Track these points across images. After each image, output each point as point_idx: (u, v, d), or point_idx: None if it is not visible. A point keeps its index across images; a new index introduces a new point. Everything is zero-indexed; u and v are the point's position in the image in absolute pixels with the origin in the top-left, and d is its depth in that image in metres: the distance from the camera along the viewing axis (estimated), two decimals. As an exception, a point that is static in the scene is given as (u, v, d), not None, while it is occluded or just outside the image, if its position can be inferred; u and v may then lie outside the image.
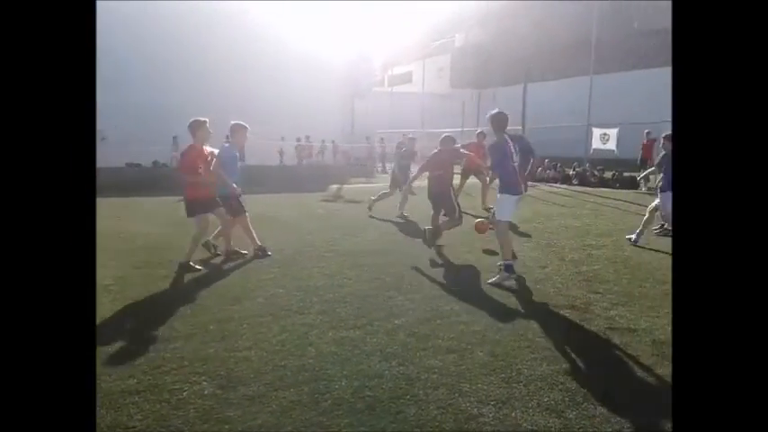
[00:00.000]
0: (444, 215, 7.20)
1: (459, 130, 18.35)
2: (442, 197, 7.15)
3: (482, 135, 9.95)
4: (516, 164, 5.59)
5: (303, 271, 5.70)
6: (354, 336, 3.84)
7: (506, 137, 5.66)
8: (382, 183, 18.45)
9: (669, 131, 7.49)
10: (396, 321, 4.12)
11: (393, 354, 3.52)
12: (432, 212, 7.39)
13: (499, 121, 5.60)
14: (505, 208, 5.66)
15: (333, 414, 2.76)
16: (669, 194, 6.92)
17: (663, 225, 8.00)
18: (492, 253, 6.38)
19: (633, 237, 7.34)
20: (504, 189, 5.63)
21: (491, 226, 6.44)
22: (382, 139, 26.03)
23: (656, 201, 7.47)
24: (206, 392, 2.98)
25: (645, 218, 7.50)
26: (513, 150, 5.57)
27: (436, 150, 7.27)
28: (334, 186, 16.34)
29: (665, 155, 7.33)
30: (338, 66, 27.62)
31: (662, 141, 7.77)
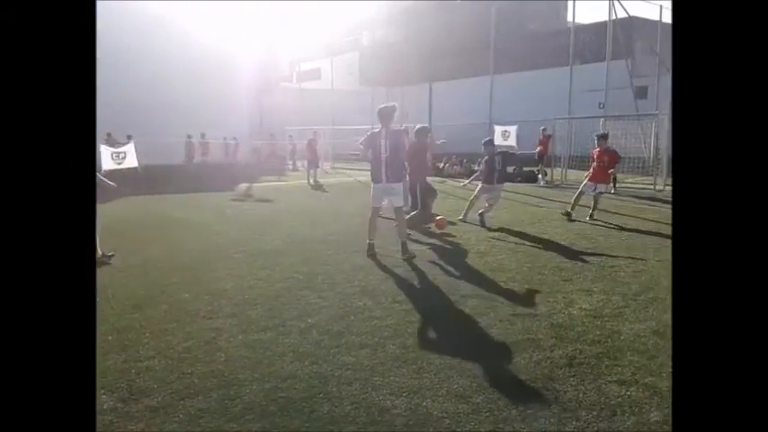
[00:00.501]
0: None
1: (369, 127, 18.52)
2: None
3: (315, 140, 10.88)
4: (385, 156, 6.12)
5: (211, 273, 5.49)
6: (266, 338, 3.76)
7: (384, 131, 6.11)
8: (294, 181, 18.24)
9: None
10: (309, 320, 4.09)
11: (306, 353, 3.49)
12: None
13: (380, 114, 6.21)
14: (374, 195, 6.38)
15: (244, 419, 2.69)
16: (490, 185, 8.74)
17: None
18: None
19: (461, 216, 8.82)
20: (372, 178, 6.31)
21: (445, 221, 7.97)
22: (291, 136, 25.63)
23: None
24: (105, 407, 2.79)
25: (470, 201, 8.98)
26: (384, 144, 6.10)
27: (414, 141, 8.31)
28: (244, 185, 15.87)
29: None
30: (244, 60, 26.81)
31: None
